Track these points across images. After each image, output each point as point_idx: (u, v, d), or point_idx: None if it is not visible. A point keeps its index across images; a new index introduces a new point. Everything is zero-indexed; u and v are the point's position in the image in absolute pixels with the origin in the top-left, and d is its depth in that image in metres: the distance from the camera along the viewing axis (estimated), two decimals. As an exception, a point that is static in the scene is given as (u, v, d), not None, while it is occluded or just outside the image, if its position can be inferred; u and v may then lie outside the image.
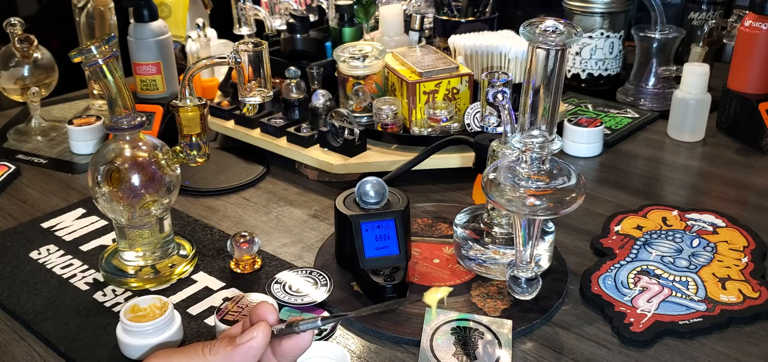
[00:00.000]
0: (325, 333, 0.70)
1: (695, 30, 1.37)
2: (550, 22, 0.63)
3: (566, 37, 0.62)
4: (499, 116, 0.73)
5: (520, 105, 0.67)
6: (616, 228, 0.88)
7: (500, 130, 0.75)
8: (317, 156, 1.01)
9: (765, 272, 0.79)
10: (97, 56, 0.71)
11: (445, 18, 1.23)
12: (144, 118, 0.76)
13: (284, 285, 0.77)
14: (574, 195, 0.65)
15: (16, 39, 1.16)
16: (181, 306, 0.74)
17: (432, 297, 0.50)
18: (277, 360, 0.49)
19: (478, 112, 1.02)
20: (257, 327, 0.47)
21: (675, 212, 0.91)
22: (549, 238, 0.76)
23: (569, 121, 1.13)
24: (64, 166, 1.12)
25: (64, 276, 0.80)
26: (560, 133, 1.14)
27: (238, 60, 0.80)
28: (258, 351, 0.47)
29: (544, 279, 0.73)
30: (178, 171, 0.79)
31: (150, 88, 1.17)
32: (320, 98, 1.07)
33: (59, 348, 0.69)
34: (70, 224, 0.92)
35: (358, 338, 0.70)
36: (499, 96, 0.71)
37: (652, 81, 1.32)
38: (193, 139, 0.78)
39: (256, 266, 0.81)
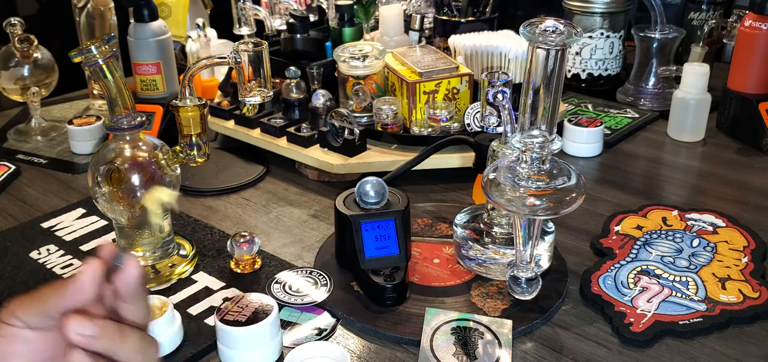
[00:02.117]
0: (325, 333, 0.70)
1: (695, 30, 1.37)
2: (550, 22, 0.63)
3: (566, 37, 0.62)
4: (499, 116, 0.73)
5: (520, 105, 0.67)
6: (616, 228, 0.88)
7: (500, 130, 0.75)
8: (317, 156, 1.01)
9: (765, 272, 0.79)
10: (97, 56, 0.71)
11: (445, 18, 1.23)
12: (144, 118, 0.76)
13: (284, 285, 0.77)
14: (574, 195, 0.65)
15: (16, 39, 1.16)
16: (181, 306, 0.74)
17: (152, 197, 0.48)
18: (124, 303, 0.48)
19: (478, 112, 1.02)
20: (87, 263, 0.48)
21: (675, 212, 0.91)
22: (549, 238, 0.76)
23: (569, 120, 1.13)
24: (64, 165, 1.12)
25: (65, 276, 0.80)
26: (560, 133, 1.14)
27: (238, 60, 0.80)
28: (87, 285, 0.46)
29: (544, 279, 0.73)
30: (178, 171, 0.79)
31: (150, 88, 1.17)
32: (320, 98, 1.07)
33: (59, 348, 0.69)
34: (70, 224, 0.92)
35: (358, 338, 0.70)
36: (499, 96, 0.71)
37: (652, 81, 1.32)
38: (193, 138, 0.78)
39: (256, 266, 0.81)
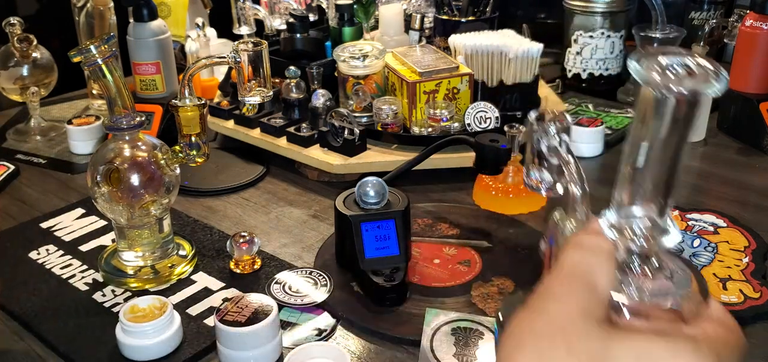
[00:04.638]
0: (324, 334, 0.70)
1: (696, 29, 1.36)
2: (676, 59, 0.40)
3: (700, 82, 0.39)
4: (558, 173, 0.54)
5: (621, 171, 0.47)
6: (617, 229, 0.87)
7: (559, 190, 0.55)
8: (317, 156, 1.01)
9: (766, 272, 0.78)
10: (97, 56, 0.70)
11: (445, 17, 1.23)
12: (143, 118, 0.76)
13: (284, 286, 0.77)
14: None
15: (16, 38, 1.16)
16: (181, 307, 0.74)
17: None
18: None
19: (480, 111, 1.02)
20: None
21: (676, 212, 0.91)
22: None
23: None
24: (64, 165, 1.11)
25: (64, 277, 0.80)
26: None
27: (238, 59, 0.80)
28: None
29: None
30: (178, 171, 0.79)
31: (149, 88, 1.17)
32: (320, 98, 1.06)
33: (58, 349, 0.69)
34: (70, 224, 0.92)
35: (357, 339, 0.70)
36: (559, 146, 0.53)
37: (652, 81, 1.32)
38: (193, 138, 0.78)
39: (256, 266, 0.81)
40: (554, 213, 0.54)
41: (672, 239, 0.43)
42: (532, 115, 0.56)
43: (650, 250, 0.44)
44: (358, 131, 0.99)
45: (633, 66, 0.41)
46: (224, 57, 0.79)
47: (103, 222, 0.92)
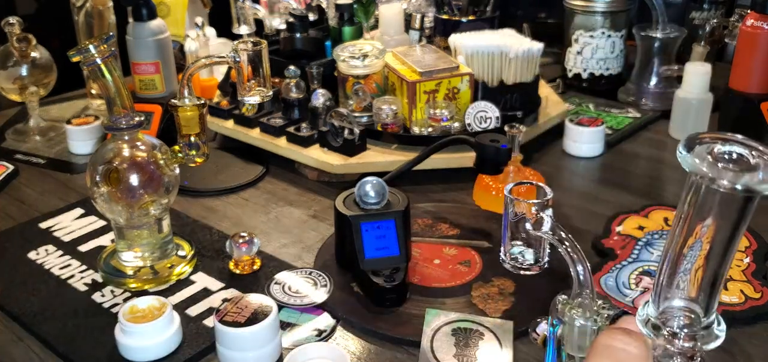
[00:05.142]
0: (324, 334, 0.70)
1: (697, 29, 1.36)
2: (733, 147, 0.36)
3: (758, 180, 0.34)
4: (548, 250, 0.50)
5: (663, 258, 0.41)
6: (618, 229, 0.87)
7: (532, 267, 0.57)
8: (317, 156, 1.01)
9: (766, 272, 0.78)
10: (96, 55, 0.70)
11: (445, 17, 1.23)
12: (142, 118, 0.76)
13: (284, 286, 0.77)
14: None
15: (15, 38, 1.15)
16: (180, 307, 0.74)
17: None
18: None
19: (480, 111, 1.02)
20: None
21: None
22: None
23: (570, 120, 1.12)
24: (63, 165, 1.11)
25: (63, 277, 0.80)
26: (561, 133, 1.13)
27: (237, 59, 0.80)
28: None
29: (544, 280, 0.73)
30: (177, 171, 0.79)
31: (149, 88, 1.17)
32: (320, 98, 1.06)
33: (58, 349, 0.69)
34: (69, 224, 0.92)
35: (357, 339, 0.70)
36: (543, 220, 0.50)
37: (653, 80, 1.32)
38: (192, 138, 0.77)
39: (256, 267, 0.81)
40: (558, 298, 0.51)
41: (718, 344, 0.39)
42: (507, 190, 0.55)
43: (693, 353, 0.40)
44: (357, 131, 0.99)
45: (682, 154, 0.36)
46: (224, 57, 0.79)
47: (102, 223, 0.92)
